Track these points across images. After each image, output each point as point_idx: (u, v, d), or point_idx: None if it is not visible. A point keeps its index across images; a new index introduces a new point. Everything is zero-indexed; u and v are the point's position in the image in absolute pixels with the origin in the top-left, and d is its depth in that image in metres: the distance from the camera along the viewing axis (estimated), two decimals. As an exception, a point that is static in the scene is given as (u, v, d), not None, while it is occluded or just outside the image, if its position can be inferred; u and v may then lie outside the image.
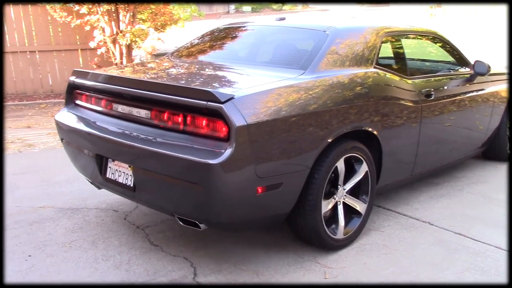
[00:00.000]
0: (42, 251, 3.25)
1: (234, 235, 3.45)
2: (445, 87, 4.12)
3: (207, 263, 3.11)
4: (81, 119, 3.34)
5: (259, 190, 2.71)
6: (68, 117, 3.43)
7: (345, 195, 3.28)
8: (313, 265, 3.10)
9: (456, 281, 2.94)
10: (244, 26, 4.11)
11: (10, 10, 8.51)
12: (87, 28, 8.34)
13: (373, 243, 3.39)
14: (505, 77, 5.00)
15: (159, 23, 8.77)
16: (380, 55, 3.66)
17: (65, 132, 3.43)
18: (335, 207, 3.23)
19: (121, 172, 3.07)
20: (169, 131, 2.82)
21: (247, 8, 26.73)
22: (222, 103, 2.54)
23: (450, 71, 4.49)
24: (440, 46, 4.40)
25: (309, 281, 2.92)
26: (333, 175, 3.14)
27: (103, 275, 2.96)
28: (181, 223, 2.93)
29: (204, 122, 2.67)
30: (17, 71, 8.80)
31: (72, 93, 3.53)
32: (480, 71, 4.32)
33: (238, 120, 2.54)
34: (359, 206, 3.37)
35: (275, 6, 26.52)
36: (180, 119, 2.76)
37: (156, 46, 8.94)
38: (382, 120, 3.36)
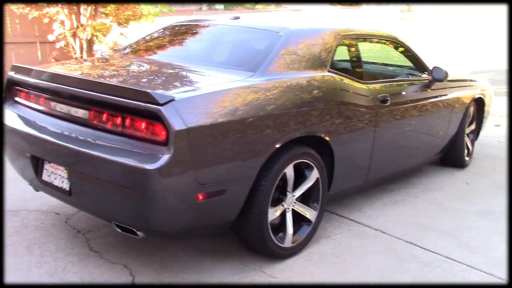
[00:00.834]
0: (-28, 257, 3.06)
1: (179, 242, 3.31)
2: (402, 93, 4.06)
3: (147, 271, 2.97)
4: (18, 117, 3.16)
5: (200, 197, 2.58)
6: (5, 115, 3.23)
7: (294, 202, 3.18)
8: (258, 274, 2.99)
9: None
10: (197, 24, 3.96)
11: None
12: (46, 20, 8.05)
13: (323, 251, 3.30)
14: (465, 83, 5.00)
15: (122, 18, 8.54)
16: (336, 59, 3.58)
17: (1, 131, 3.24)
18: (283, 215, 3.13)
19: (56, 174, 2.90)
20: (108, 133, 2.66)
21: (220, 6, 26.57)
22: (161, 105, 2.40)
23: (408, 77, 4.45)
24: (399, 51, 4.35)
25: (252, 292, 2.81)
26: (281, 181, 3.04)
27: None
28: (118, 230, 2.78)
29: (143, 125, 2.52)
30: (-29, 63, 8.46)
31: (11, 89, 3.33)
32: (438, 77, 4.28)
33: (177, 124, 2.40)
34: (309, 213, 3.28)
35: (248, 5, 26.42)
36: (118, 120, 2.61)
37: (119, 41, 8.70)
38: (334, 125, 3.27)
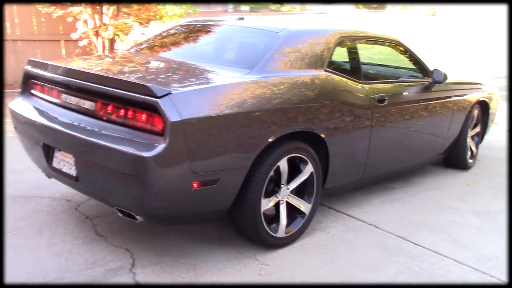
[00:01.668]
0: (-13, 237, 3.30)
1: (180, 229, 3.50)
2: (401, 93, 4.18)
3: (147, 255, 3.16)
4: (33, 108, 3.39)
5: (195, 185, 2.76)
6: (21, 106, 3.48)
7: (289, 195, 3.34)
8: (251, 261, 3.16)
9: (389, 282, 3.01)
10: (204, 24, 4.16)
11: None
12: (70, 19, 8.38)
13: (316, 243, 3.45)
14: (469, 86, 5.08)
15: (143, 18, 8.81)
16: (334, 59, 3.72)
17: (18, 121, 3.48)
18: (277, 206, 3.29)
19: (65, 162, 3.12)
20: (112, 124, 2.86)
21: (245, 7, 26.76)
22: (159, 97, 2.59)
23: (408, 78, 4.56)
24: (401, 54, 4.47)
25: (243, 277, 2.97)
26: (276, 174, 3.20)
27: (42, 262, 3.01)
28: (120, 214, 2.99)
29: (143, 116, 2.72)
30: (-2, 59, 8.83)
31: (27, 82, 3.58)
32: (437, 79, 4.39)
33: (173, 116, 2.59)
34: (303, 206, 3.43)
35: (273, 7, 26.55)
36: (121, 112, 2.81)
37: (139, 40, 8.97)
38: (328, 122, 3.41)
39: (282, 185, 3.27)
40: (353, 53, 3.90)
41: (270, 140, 3.03)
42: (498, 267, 3.26)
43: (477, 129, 5.37)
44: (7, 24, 8.76)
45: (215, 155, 2.81)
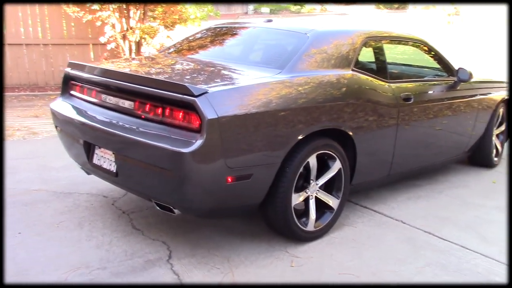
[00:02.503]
0: (31, 230, 3.48)
1: (213, 224, 3.65)
2: (426, 92, 4.27)
3: (183, 247, 3.31)
4: (73, 108, 3.57)
5: (229, 179, 2.90)
6: (62, 106, 3.66)
7: (317, 190, 3.45)
8: (282, 254, 3.28)
9: (415, 274, 3.10)
10: (233, 27, 4.31)
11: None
12: (98, 23, 8.62)
13: (344, 237, 3.56)
14: (494, 85, 5.12)
15: (169, 21, 9.02)
16: (361, 59, 3.83)
17: (59, 120, 3.66)
18: (307, 201, 3.41)
19: (105, 158, 3.28)
20: (150, 122, 3.02)
21: (265, 9, 26.88)
22: (196, 96, 2.74)
23: (434, 77, 4.64)
24: (425, 53, 4.55)
25: (276, 268, 3.09)
26: (305, 170, 3.32)
27: (84, 254, 3.18)
28: (157, 207, 3.14)
29: (180, 115, 2.87)
30: (30, 63, 9.12)
31: (67, 84, 3.76)
32: (463, 77, 4.47)
33: (209, 113, 2.73)
34: (332, 201, 3.54)
35: (293, 8, 26.63)
36: (159, 110, 2.97)
37: (165, 43, 9.18)
38: (356, 120, 3.52)
39: (311, 181, 3.38)
40: (378, 53, 4.00)
41: (300, 137, 3.15)
42: (524, 260, 3.33)
43: (503, 128, 5.41)
44: (38, 29, 9.06)
45: (248, 152, 2.94)
